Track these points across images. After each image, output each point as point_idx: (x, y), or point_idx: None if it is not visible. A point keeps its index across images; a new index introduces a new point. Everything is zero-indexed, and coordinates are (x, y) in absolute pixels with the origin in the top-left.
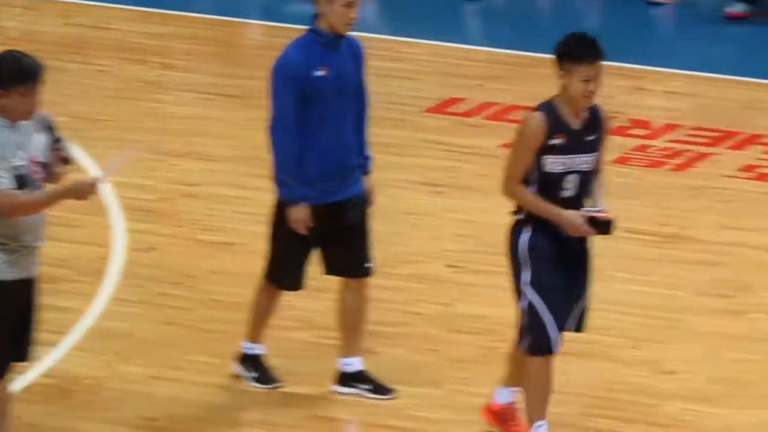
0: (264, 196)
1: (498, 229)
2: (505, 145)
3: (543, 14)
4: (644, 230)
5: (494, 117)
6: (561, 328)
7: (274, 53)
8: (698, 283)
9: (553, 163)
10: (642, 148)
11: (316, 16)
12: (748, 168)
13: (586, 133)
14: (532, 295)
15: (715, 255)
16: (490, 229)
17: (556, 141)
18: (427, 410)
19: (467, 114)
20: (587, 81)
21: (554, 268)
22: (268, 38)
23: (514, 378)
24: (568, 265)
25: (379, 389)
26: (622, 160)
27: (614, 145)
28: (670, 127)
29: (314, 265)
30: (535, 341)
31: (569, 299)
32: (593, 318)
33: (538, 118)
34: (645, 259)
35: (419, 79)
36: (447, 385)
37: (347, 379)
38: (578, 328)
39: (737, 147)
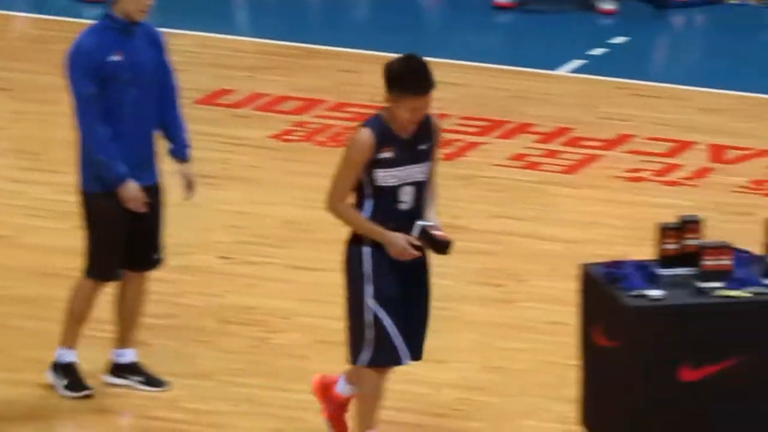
0: (34, 189)
1: (269, 220)
2: (277, 137)
3: (312, 5)
4: None
5: (264, 108)
6: (405, 338)
7: (40, 46)
8: (469, 272)
9: (385, 177)
10: None
11: (110, 3)
12: (518, 157)
13: (417, 142)
14: (376, 308)
15: (486, 244)
16: (262, 220)
17: (385, 155)
18: (200, 402)
19: (237, 105)
20: (413, 111)
21: (396, 281)
22: (34, 31)
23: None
24: (408, 282)
25: (152, 381)
26: None
27: None
28: (440, 117)
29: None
30: (380, 354)
31: (411, 320)
32: None
33: (366, 134)
34: None
35: (189, 70)
36: (218, 376)
37: (120, 370)
38: (418, 356)
39: (507, 136)
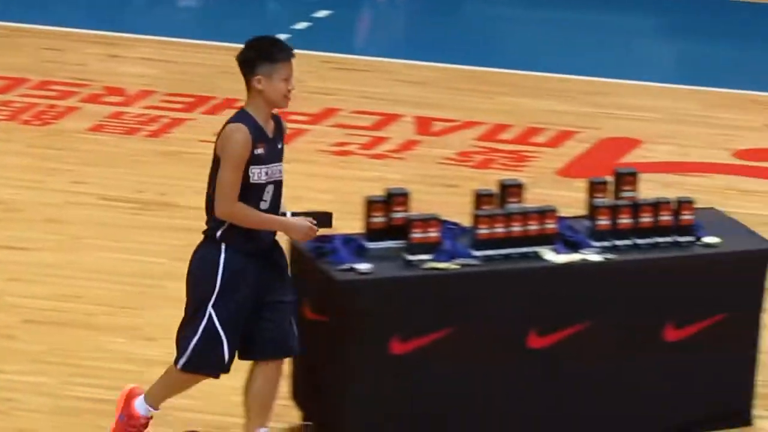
0: None
1: None
2: None
3: None
4: (121, 197)
5: None
6: (233, 353)
7: None
8: (177, 249)
9: (258, 174)
10: (117, 116)
11: None
12: None
13: (276, 141)
14: (216, 316)
15: (194, 220)
16: None
17: (259, 150)
18: None
19: None
20: (286, 80)
21: (245, 288)
22: None
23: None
24: (266, 280)
25: None
26: (97, 128)
27: (89, 114)
28: (145, 94)
29: None
30: (206, 361)
31: (275, 315)
32: (70, 286)
33: (244, 130)
34: (122, 226)
35: None
36: None
37: None
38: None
39: (211, 112)
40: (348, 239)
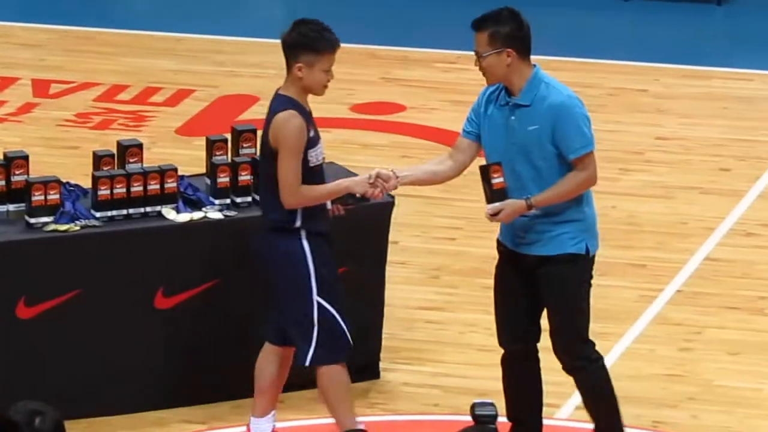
0: None
1: None
2: None
3: None
4: None
5: None
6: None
7: None
8: None
9: (315, 156)
10: None
11: None
12: None
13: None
14: (325, 301)
15: None
16: None
17: (311, 133)
18: None
19: None
20: (327, 71)
21: (331, 265)
22: None
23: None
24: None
25: None
26: None
27: None
28: None
29: None
30: (335, 348)
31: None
32: None
33: (297, 116)
34: None
35: None
36: None
37: None
38: None
39: None
40: None
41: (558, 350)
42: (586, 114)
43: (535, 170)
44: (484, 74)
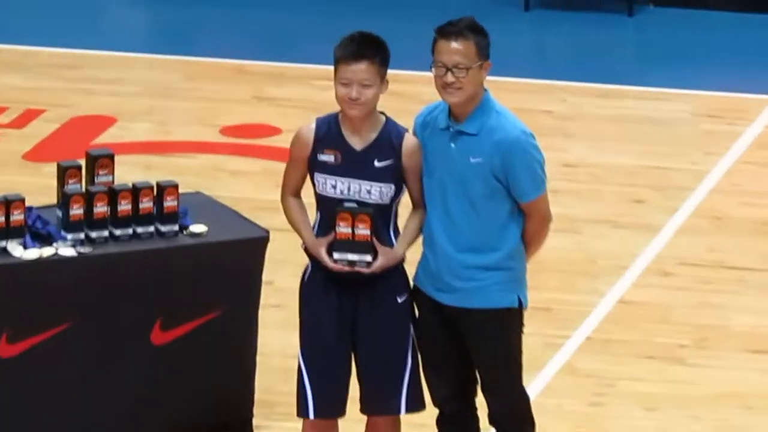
0: None
1: None
2: None
3: None
4: None
5: None
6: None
7: None
8: None
9: (323, 184)
10: None
11: None
12: None
13: (373, 156)
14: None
15: None
16: None
17: (325, 157)
18: None
19: None
20: (346, 85)
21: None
22: None
23: None
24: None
25: None
26: None
27: None
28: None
29: None
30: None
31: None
32: None
33: (306, 128)
34: None
35: None
36: None
37: None
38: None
39: None
40: None
41: (493, 409)
42: (540, 153)
43: (471, 206)
44: (455, 90)
